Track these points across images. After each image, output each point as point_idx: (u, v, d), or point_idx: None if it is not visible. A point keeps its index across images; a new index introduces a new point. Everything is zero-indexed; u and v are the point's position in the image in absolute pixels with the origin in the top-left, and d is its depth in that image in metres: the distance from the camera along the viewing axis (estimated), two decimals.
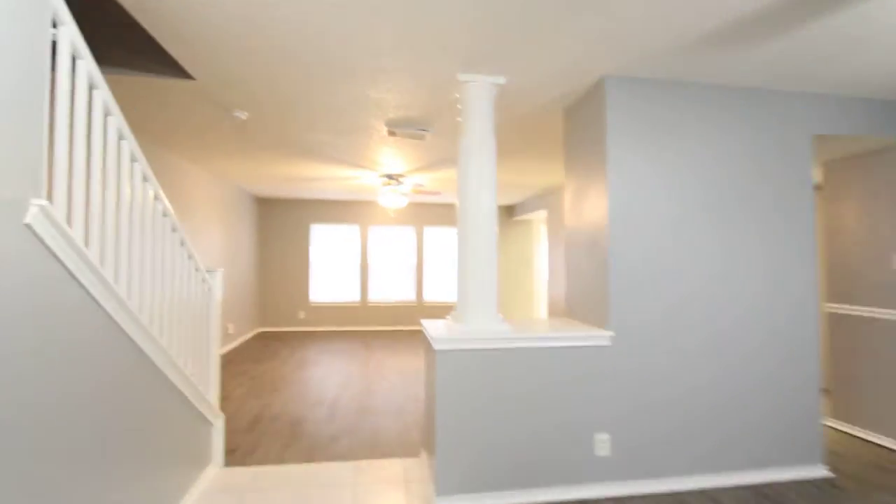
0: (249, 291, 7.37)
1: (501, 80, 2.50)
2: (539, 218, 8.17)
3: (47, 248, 1.30)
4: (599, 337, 2.45)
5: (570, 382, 2.44)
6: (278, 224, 8.10)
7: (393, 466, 2.78)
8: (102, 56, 2.43)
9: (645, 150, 2.52)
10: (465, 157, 2.50)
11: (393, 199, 5.59)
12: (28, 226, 1.22)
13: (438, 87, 2.65)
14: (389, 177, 5.43)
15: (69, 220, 1.48)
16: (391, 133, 3.55)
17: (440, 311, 8.42)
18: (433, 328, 2.47)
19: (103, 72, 2.48)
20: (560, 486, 2.40)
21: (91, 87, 1.56)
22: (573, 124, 2.92)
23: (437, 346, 2.30)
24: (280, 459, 2.87)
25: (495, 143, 2.54)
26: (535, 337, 2.39)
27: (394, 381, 4.75)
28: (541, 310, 7.80)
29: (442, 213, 8.54)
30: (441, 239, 8.54)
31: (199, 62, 2.36)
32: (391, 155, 4.41)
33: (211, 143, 4.05)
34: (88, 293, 1.50)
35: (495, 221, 2.51)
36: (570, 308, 2.97)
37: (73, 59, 1.47)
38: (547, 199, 6.91)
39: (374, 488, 2.51)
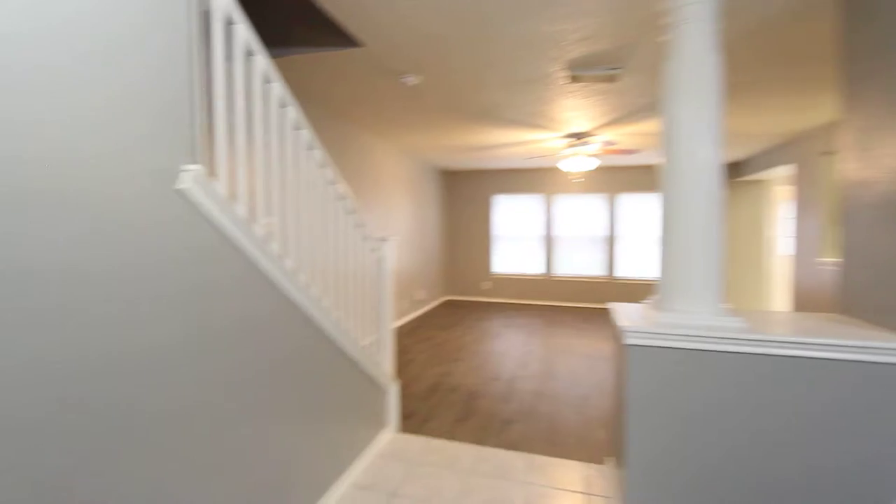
0: (438, 261, 7.76)
1: None
2: (776, 177, 6.27)
3: (202, 214, 1.30)
4: None
5: (854, 416, 1.60)
6: (462, 195, 8.26)
7: (572, 471, 2.38)
8: (283, 38, 2.57)
9: None
10: (673, 90, 1.82)
11: (578, 162, 4.95)
12: (180, 191, 1.22)
13: None
14: (574, 136, 4.80)
15: (233, 195, 1.50)
16: (573, 79, 2.99)
17: (635, 289, 7.40)
18: (624, 314, 1.93)
19: (284, 53, 2.63)
20: None
21: (248, 54, 1.54)
22: (867, 19, 1.87)
23: (628, 340, 1.77)
24: (451, 434, 2.77)
25: (720, 67, 1.78)
26: (794, 341, 1.62)
27: (577, 365, 4.28)
28: (777, 301, 6.05)
29: (639, 177, 7.38)
30: (638, 207, 7.41)
31: (366, 27, 2.27)
32: (574, 109, 3.81)
33: (388, 114, 4.16)
34: (250, 261, 1.51)
35: (719, 179, 1.78)
36: (846, 302, 2.00)
37: (229, 26, 1.46)
38: (790, 150, 5.18)
39: (548, 494, 2.17)
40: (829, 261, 4.33)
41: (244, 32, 1.47)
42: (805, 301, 4.89)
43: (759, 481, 1.68)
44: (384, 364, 2.67)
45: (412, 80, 3.06)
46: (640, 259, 7.44)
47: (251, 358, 1.53)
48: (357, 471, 2.27)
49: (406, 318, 6.29)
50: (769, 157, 5.75)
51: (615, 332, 2.08)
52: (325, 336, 2.00)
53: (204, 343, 1.32)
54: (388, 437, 2.68)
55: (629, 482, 1.80)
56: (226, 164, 1.39)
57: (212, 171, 1.38)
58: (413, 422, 2.95)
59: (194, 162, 1.27)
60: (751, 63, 2.74)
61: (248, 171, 1.53)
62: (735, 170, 6.90)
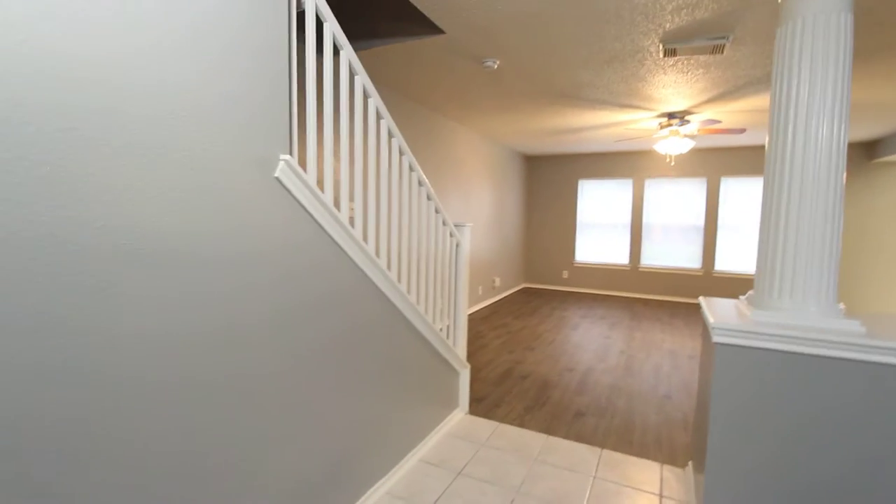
0: (516, 247, 7.67)
1: None
2: None
3: (294, 198, 1.42)
4: None
5: None
6: (546, 181, 8.03)
7: (646, 471, 2.28)
8: (368, 31, 2.67)
9: None
10: (788, 58, 1.60)
11: (674, 143, 4.56)
12: (277, 179, 1.35)
13: None
14: (670, 115, 4.43)
15: (321, 182, 1.61)
16: (669, 53, 2.74)
17: (735, 284, 6.72)
18: (716, 310, 1.78)
19: (369, 45, 2.73)
20: None
21: (336, 48, 1.63)
22: None
23: (716, 338, 1.63)
24: (521, 421, 2.78)
25: (851, 29, 1.53)
26: None
27: (661, 361, 4.02)
28: None
29: (745, 159, 6.61)
30: (743, 193, 6.67)
31: (448, 13, 2.28)
32: (669, 86, 3.50)
33: (469, 99, 4.15)
34: (336, 243, 1.63)
35: (842, 160, 1.55)
36: None
37: (320, 23, 1.55)
38: None
39: (616, 491, 2.10)
40: None
41: (333, 29, 1.55)
42: None
43: None
44: (457, 347, 2.74)
45: (493, 63, 3.02)
46: (743, 251, 6.72)
47: (337, 329, 1.66)
48: (427, 447, 2.37)
49: (482, 304, 6.33)
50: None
51: (704, 328, 1.92)
52: (402, 316, 2.09)
53: (297, 315, 1.45)
54: (459, 417, 2.75)
55: (707, 489, 1.68)
56: (315, 154, 1.50)
57: (302, 160, 1.50)
58: (483, 406, 2.99)
59: (290, 152, 1.39)
60: (880, 23, 2.31)
61: (335, 159, 1.64)
62: (870, 149, 5.90)
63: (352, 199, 1.76)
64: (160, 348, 1.07)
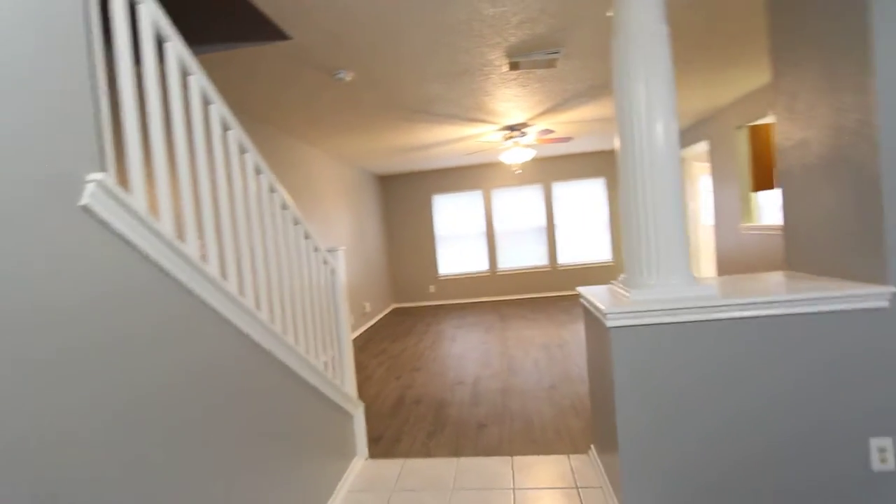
0: (381, 269, 7.49)
1: None
2: (693, 154, 6.74)
3: (115, 232, 1.03)
4: (868, 296, 1.59)
5: (824, 366, 1.64)
6: (401, 200, 8.06)
7: (558, 466, 2.30)
8: (198, 33, 2.26)
9: None
10: (624, 65, 1.78)
11: (517, 153, 4.96)
12: (85, 207, 0.95)
13: None
14: (511, 128, 4.81)
15: (156, 214, 1.23)
16: (513, 66, 2.93)
17: (578, 273, 7.63)
18: (599, 298, 1.87)
19: (200, 51, 2.32)
20: None
21: (160, 40, 1.27)
22: None
23: (610, 322, 1.70)
24: (427, 450, 2.59)
25: (668, 38, 1.77)
26: (766, 301, 1.63)
27: (537, 356, 4.26)
28: (704, 268, 6.50)
29: (572, 165, 7.62)
30: (574, 194, 7.66)
31: (292, 15, 2.04)
32: (512, 98, 3.78)
33: (321, 115, 3.89)
34: (184, 286, 1.24)
35: (677, 154, 1.77)
36: (792, 258, 2.09)
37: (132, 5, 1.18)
38: (705, 127, 5.58)
39: (540, 497, 2.06)
40: (750, 226, 4.69)
41: (151, 11, 1.20)
42: (728, 265, 5.27)
43: (757, 441, 1.68)
44: (347, 385, 2.43)
45: (346, 75, 2.84)
46: (580, 245, 7.69)
47: (199, 405, 1.25)
48: None
49: (356, 332, 5.97)
50: (687, 135, 6.16)
51: (591, 317, 2.02)
52: (280, 363, 1.74)
53: (133, 400, 1.04)
54: (359, 466, 2.44)
55: (623, 467, 1.73)
56: (141, 171, 1.12)
57: (124, 181, 1.11)
58: (383, 444, 2.72)
59: (102, 169, 1.00)
60: (674, 41, 2.84)
61: (171, 180, 1.26)
62: None
63: (200, 234, 1.38)
64: None
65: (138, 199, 1.10)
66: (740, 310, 1.65)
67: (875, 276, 1.62)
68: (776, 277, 1.97)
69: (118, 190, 1.00)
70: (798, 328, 1.64)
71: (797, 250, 2.05)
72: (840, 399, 1.64)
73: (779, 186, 2.15)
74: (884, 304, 1.59)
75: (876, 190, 1.58)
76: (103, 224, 0.99)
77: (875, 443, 1.63)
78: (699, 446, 1.70)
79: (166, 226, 1.19)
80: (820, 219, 1.88)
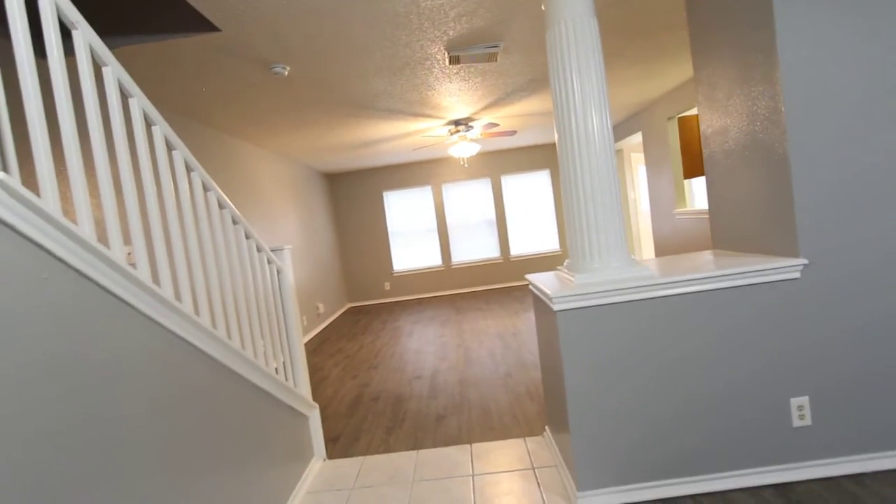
0: (334, 269, 7.34)
1: None
2: (630, 146, 7.09)
3: (25, 237, 0.94)
4: (782, 269, 1.75)
5: (747, 333, 1.79)
6: (351, 198, 7.92)
7: (514, 449, 2.36)
8: (117, 25, 2.10)
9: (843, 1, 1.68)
10: (559, 56, 1.84)
11: (464, 147, 5.00)
12: None
13: None
14: (456, 123, 4.84)
15: (71, 216, 1.13)
16: (454, 61, 2.94)
17: (530, 264, 7.83)
18: (545, 284, 1.93)
19: (121, 44, 2.16)
20: (742, 471, 1.81)
21: (66, 27, 1.17)
22: None
23: (556, 306, 1.77)
24: (386, 446, 2.58)
25: (597, 28, 1.85)
26: (695, 278, 1.75)
27: (493, 346, 4.34)
28: (646, 252, 6.87)
29: (518, 158, 7.78)
30: (522, 187, 7.83)
31: (220, 5, 1.93)
32: (456, 93, 3.80)
33: (258, 112, 3.74)
34: (111, 293, 1.16)
35: (612, 143, 1.85)
36: (717, 237, 2.26)
37: None
38: (639, 119, 5.88)
39: (498, 480, 2.11)
40: (683, 211, 5.00)
41: None
42: (664, 248, 5.61)
43: (691, 404, 1.80)
44: (300, 387, 2.37)
45: (283, 70, 2.74)
46: (530, 236, 7.89)
47: (131, 421, 1.18)
48: None
49: (310, 334, 5.82)
50: (622, 128, 6.46)
51: (540, 304, 2.08)
52: (226, 368, 1.66)
53: (55, 415, 0.96)
54: (318, 467, 2.38)
55: (574, 441, 1.81)
56: (50, 170, 1.03)
57: (32, 185, 1.01)
58: (341, 444, 2.68)
59: (2, 170, 0.91)
60: (606, 35, 2.97)
61: (89, 182, 1.16)
62: None
63: (128, 240, 1.30)
64: None
65: (49, 200, 1.01)
66: (675, 287, 1.76)
67: (788, 250, 1.79)
68: (705, 256, 2.12)
69: (24, 191, 0.91)
70: (725, 300, 1.77)
71: (722, 230, 2.21)
72: (763, 362, 1.79)
73: (706, 172, 2.31)
74: (796, 275, 1.75)
75: (786, 171, 1.74)
76: (10, 228, 0.90)
77: (794, 402, 1.80)
78: (640, 411, 1.80)
79: (85, 228, 1.10)
80: (740, 200, 2.04)
